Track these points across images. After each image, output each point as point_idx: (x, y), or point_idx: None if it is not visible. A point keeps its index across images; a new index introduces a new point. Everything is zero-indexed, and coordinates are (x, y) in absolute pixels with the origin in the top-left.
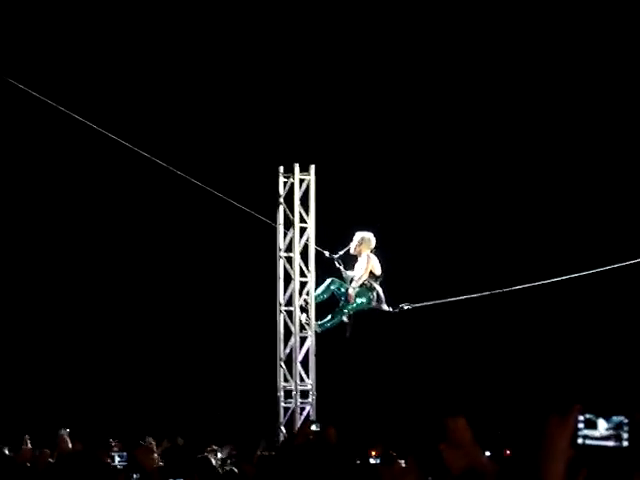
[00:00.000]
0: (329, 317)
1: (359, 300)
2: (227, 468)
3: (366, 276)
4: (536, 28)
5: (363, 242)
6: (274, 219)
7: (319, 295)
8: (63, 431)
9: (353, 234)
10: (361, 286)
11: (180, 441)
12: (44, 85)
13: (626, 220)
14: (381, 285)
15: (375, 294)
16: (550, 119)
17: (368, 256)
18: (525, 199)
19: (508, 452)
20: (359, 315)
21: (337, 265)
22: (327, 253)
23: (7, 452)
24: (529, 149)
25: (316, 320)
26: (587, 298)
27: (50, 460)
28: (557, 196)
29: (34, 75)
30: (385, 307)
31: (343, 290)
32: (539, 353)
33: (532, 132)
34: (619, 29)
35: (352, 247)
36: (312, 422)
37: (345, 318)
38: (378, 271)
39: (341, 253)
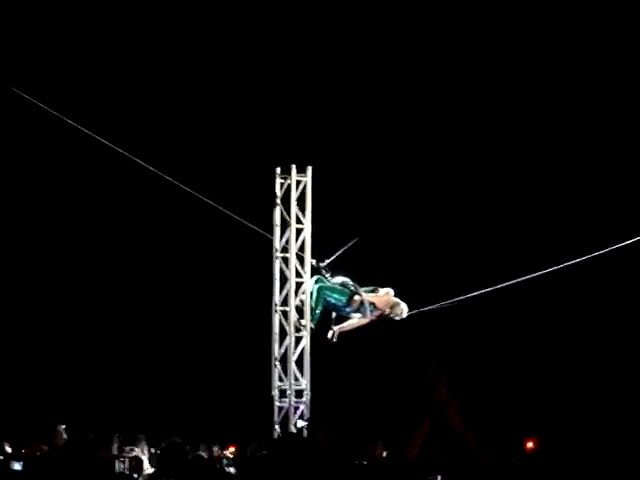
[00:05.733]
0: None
1: (337, 296)
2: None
3: (386, 298)
4: (536, 28)
5: (388, 295)
6: (271, 220)
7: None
8: (60, 426)
9: (348, 236)
10: (347, 287)
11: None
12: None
13: None
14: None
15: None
16: (549, 121)
17: (388, 294)
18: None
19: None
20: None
21: (324, 273)
22: (314, 261)
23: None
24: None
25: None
26: None
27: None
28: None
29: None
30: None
31: (336, 296)
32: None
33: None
34: (619, 29)
35: (381, 290)
36: (300, 419)
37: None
38: (379, 307)
39: (328, 262)
